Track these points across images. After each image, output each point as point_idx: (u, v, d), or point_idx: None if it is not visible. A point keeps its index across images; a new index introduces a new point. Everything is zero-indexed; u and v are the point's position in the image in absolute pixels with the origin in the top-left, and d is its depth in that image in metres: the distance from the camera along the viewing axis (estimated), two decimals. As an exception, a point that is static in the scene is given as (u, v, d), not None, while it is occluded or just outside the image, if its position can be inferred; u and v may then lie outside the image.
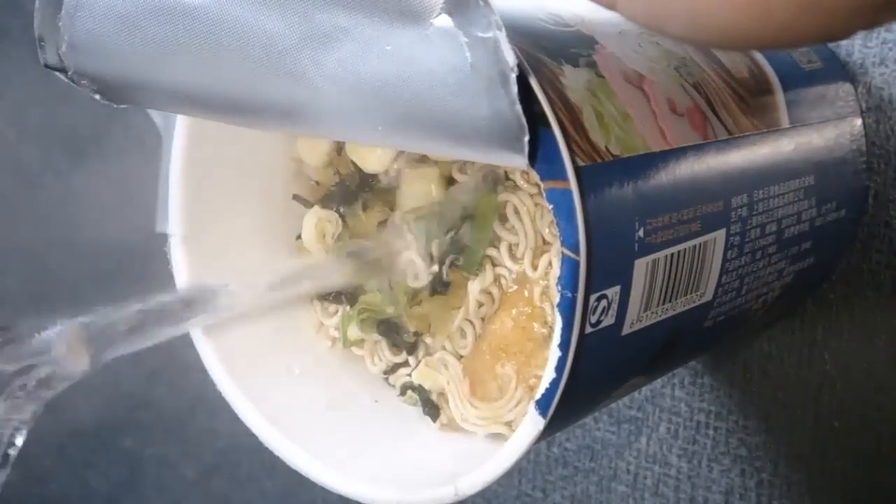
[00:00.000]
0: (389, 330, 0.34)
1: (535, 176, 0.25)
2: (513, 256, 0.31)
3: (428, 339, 0.33)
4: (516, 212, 0.30)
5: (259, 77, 0.25)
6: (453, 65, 0.22)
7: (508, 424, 0.31)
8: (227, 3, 0.24)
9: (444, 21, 0.22)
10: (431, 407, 0.33)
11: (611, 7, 0.21)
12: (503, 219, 0.31)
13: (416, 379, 0.33)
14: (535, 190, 0.30)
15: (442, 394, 0.33)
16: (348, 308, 0.35)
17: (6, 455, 0.24)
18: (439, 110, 0.23)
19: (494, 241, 0.31)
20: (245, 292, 0.31)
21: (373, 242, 0.33)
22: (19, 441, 0.24)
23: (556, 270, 0.29)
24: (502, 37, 0.22)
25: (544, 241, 0.30)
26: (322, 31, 0.24)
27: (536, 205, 0.30)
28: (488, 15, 0.22)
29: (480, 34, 0.22)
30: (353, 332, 0.34)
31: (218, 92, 0.26)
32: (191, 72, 0.26)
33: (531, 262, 0.30)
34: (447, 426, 0.33)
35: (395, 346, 0.34)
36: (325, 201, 0.35)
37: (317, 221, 0.34)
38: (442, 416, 0.33)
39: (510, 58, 0.22)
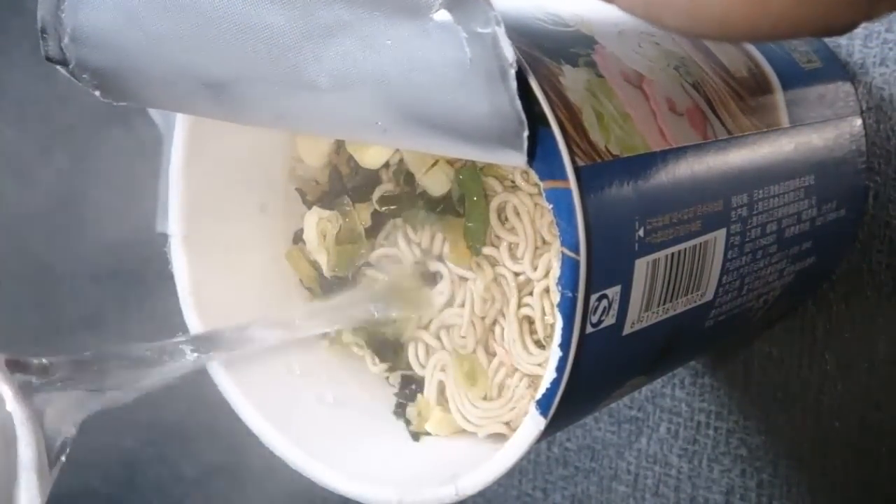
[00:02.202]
0: (375, 341, 0.34)
1: (534, 176, 0.25)
2: (513, 256, 0.31)
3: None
4: (516, 212, 0.30)
5: (261, 72, 0.25)
6: (453, 60, 0.22)
7: (508, 424, 0.31)
8: None
9: (443, 16, 0.22)
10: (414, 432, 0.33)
11: (609, 0, 0.21)
12: (503, 219, 0.31)
13: (432, 430, 0.33)
14: (534, 190, 0.30)
15: (443, 393, 0.33)
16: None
17: (57, 459, 0.25)
18: (439, 105, 0.23)
19: (494, 241, 0.31)
20: (264, 334, 0.31)
21: (388, 279, 0.33)
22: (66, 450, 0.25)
23: (555, 270, 0.29)
24: (501, 32, 0.22)
25: (544, 242, 0.30)
26: (323, 26, 0.24)
27: (536, 205, 0.30)
28: (487, 11, 0.22)
29: (479, 30, 0.22)
30: (347, 336, 0.34)
31: (219, 87, 0.26)
32: (193, 66, 0.26)
33: (531, 262, 0.30)
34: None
35: (382, 359, 0.34)
36: (325, 200, 0.35)
37: (318, 221, 0.34)
38: (450, 414, 0.33)
39: (509, 53, 0.22)
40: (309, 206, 0.35)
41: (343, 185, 0.34)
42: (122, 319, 0.56)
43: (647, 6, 0.19)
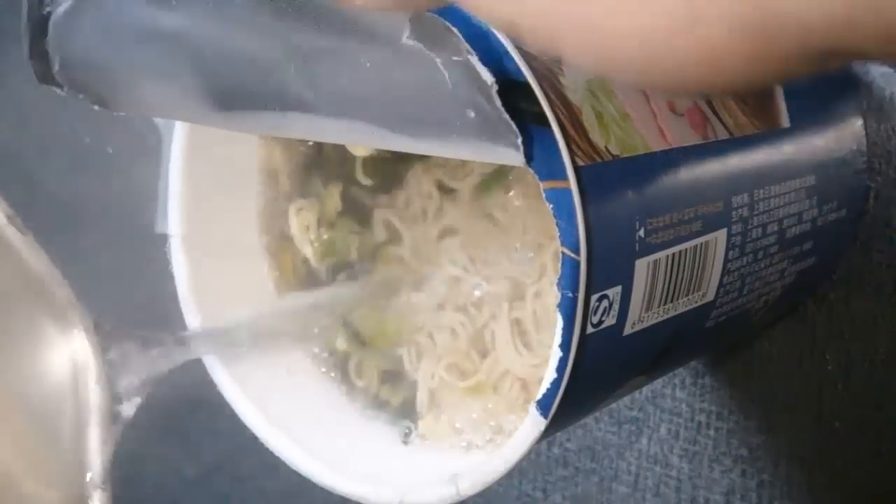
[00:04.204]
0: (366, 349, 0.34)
1: (532, 176, 0.25)
2: (508, 258, 0.31)
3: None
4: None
5: (249, 90, 0.25)
6: (434, 80, 0.23)
7: (503, 426, 0.31)
8: (206, 27, 0.25)
9: (414, 44, 0.22)
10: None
11: (557, 56, 0.21)
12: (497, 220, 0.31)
13: (427, 432, 0.33)
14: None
15: (436, 395, 0.33)
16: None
17: (118, 413, 0.28)
18: (430, 116, 0.23)
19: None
20: (249, 329, 0.32)
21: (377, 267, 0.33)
22: (130, 409, 0.28)
23: (550, 273, 0.29)
24: (475, 60, 0.22)
25: (538, 244, 0.30)
26: (302, 51, 0.24)
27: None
28: (456, 42, 0.22)
29: (454, 58, 0.22)
30: (341, 343, 0.34)
31: (212, 101, 0.26)
32: (184, 86, 0.26)
33: (525, 264, 0.30)
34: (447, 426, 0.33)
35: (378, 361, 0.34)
36: (303, 189, 0.35)
37: (297, 211, 0.34)
38: (443, 417, 0.33)
39: (487, 77, 0.22)
40: (289, 199, 0.35)
41: (311, 163, 0.34)
42: (122, 319, 0.56)
43: (599, 65, 0.19)
